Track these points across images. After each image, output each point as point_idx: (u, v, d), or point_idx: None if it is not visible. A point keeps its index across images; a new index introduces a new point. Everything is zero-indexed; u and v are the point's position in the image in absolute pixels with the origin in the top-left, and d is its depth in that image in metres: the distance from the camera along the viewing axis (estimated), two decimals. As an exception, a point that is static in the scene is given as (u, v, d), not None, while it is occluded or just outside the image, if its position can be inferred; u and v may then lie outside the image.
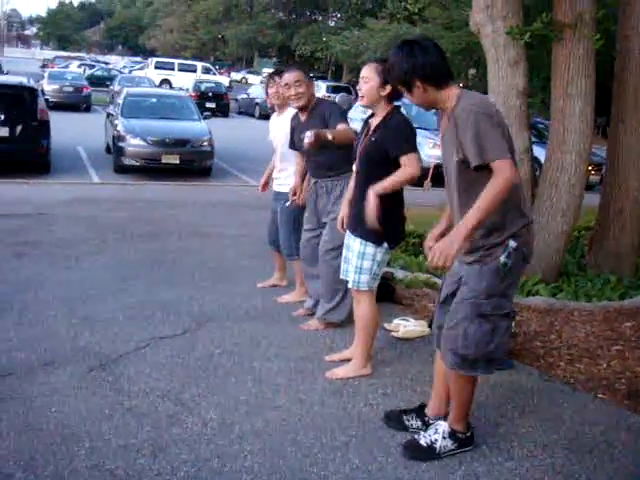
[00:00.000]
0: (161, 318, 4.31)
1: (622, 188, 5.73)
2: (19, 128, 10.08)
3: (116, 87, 22.60)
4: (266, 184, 5.10)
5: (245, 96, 28.18)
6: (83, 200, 8.26)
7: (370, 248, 3.44)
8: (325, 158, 4.02)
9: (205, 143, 11.35)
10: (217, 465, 2.71)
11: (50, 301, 4.52)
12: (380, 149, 3.34)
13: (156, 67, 34.13)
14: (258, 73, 46.01)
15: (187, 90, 24.10)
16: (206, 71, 35.15)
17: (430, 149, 11.05)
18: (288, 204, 4.48)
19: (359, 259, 3.46)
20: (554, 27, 5.27)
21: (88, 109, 22.92)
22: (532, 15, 6.13)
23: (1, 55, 58.36)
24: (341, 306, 4.18)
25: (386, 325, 4.31)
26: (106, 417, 3.02)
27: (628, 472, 2.88)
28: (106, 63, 46.55)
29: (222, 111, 24.78)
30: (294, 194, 4.41)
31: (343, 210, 3.70)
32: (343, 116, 4.08)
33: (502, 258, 2.59)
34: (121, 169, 10.99)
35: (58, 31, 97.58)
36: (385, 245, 3.45)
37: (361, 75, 3.41)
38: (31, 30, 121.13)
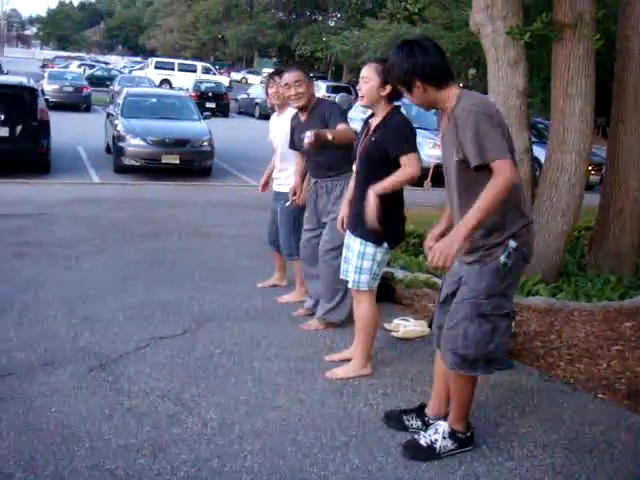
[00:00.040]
0: (161, 318, 4.31)
1: (622, 188, 5.74)
2: (19, 128, 10.07)
3: (116, 87, 22.61)
4: (266, 184, 5.10)
5: (245, 96, 28.19)
6: (83, 200, 8.26)
7: (370, 248, 3.44)
8: (325, 158, 4.02)
9: (205, 143, 11.35)
10: (217, 465, 2.71)
11: (50, 301, 4.52)
12: (380, 149, 3.34)
13: (156, 67, 34.15)
14: (258, 73, 46.01)
15: (187, 90, 24.09)
16: (206, 71, 35.15)
17: (430, 149, 11.05)
18: (288, 204, 4.48)
19: (359, 259, 3.46)
20: (554, 27, 5.27)
21: (88, 109, 22.93)
22: (532, 15, 6.13)
23: (1, 55, 58.36)
24: (341, 306, 4.18)
25: (386, 325, 4.31)
26: (106, 417, 3.02)
27: (628, 472, 2.88)
28: (106, 63, 46.56)
29: (222, 111, 24.78)
30: (294, 194, 4.41)
31: (343, 210, 3.70)
32: (343, 116, 4.08)
33: (502, 258, 2.59)
34: (121, 169, 10.99)
35: (58, 31, 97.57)
36: (385, 245, 3.45)
37: (361, 75, 3.41)
38: (31, 30, 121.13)
